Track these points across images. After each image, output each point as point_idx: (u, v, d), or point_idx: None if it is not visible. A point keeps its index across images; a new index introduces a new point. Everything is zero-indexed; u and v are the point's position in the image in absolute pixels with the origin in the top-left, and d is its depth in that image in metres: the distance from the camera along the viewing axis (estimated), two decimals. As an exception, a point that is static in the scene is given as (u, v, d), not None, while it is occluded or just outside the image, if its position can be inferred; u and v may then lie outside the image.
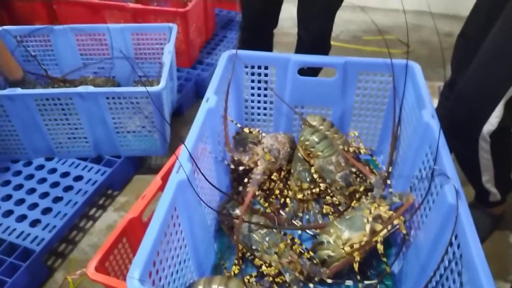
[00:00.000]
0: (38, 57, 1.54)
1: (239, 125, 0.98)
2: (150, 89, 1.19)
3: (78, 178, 1.29)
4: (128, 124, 1.29)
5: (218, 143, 0.88)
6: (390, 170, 0.90)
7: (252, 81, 1.02)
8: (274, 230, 0.83)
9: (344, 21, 2.44)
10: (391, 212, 0.78)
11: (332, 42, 2.29)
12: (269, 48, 1.52)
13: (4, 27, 1.46)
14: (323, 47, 1.41)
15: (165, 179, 1.04)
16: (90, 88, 1.17)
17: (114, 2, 1.67)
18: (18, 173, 1.31)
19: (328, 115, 1.03)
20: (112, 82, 1.56)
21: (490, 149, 0.98)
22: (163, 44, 1.52)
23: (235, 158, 0.90)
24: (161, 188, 1.02)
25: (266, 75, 1.00)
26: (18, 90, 1.17)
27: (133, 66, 1.50)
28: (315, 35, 1.37)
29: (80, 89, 1.17)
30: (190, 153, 0.69)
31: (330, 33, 1.40)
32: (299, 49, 1.47)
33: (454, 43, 1.17)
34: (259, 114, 1.07)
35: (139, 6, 1.66)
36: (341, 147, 0.96)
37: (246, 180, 0.91)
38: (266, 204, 0.91)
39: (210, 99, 0.82)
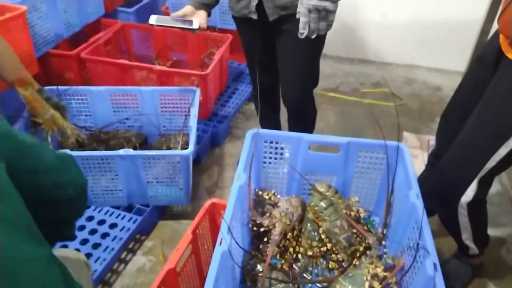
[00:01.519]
0: (76, 110, 1.75)
1: (260, 192, 1.18)
2: (180, 152, 1.39)
3: (113, 226, 1.47)
4: (158, 178, 1.49)
5: (243, 211, 1.08)
6: (384, 232, 1.10)
7: (270, 152, 1.22)
8: (290, 284, 1.01)
9: (344, 73, 2.68)
10: (386, 273, 0.97)
11: (332, 94, 2.53)
12: (278, 104, 1.74)
13: (52, 87, 1.67)
14: (305, 116, 1.60)
15: (194, 233, 1.23)
16: (130, 151, 1.37)
17: (143, 64, 1.90)
18: (59, 219, 1.50)
19: (333, 181, 1.23)
20: (140, 135, 1.77)
21: (467, 214, 1.18)
22: (186, 101, 1.73)
23: (257, 222, 1.09)
24: (192, 241, 1.21)
25: (282, 148, 1.21)
26: (68, 152, 1.37)
27: (159, 125, 1.71)
28: (293, 108, 1.55)
29: (122, 152, 1.37)
30: (229, 227, 0.88)
31: (309, 105, 1.58)
32: (288, 115, 1.64)
33: (439, 121, 1.38)
34: (275, 178, 1.27)
35: (164, 68, 1.88)
36: (344, 211, 1.16)
37: (265, 239, 1.11)
38: (283, 261, 1.09)
39: (240, 177, 1.03)
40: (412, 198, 0.97)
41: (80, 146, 1.73)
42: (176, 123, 1.80)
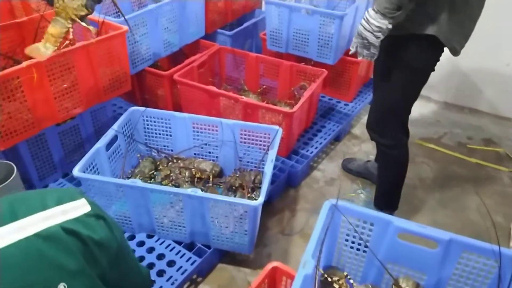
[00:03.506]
0: (158, 132, 1.74)
1: (329, 279, 1.01)
2: (249, 203, 1.28)
3: (171, 263, 1.41)
4: (223, 222, 1.39)
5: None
6: None
7: (348, 229, 1.04)
8: None
9: (450, 122, 2.35)
10: None
11: (432, 145, 2.24)
12: None
13: (140, 107, 1.70)
14: (372, 134, 1.60)
15: (250, 300, 1.10)
16: (199, 192, 1.30)
17: (230, 94, 1.84)
18: (122, 244, 1.48)
19: (422, 280, 1.01)
20: (215, 166, 1.70)
21: None
22: (266, 138, 1.63)
23: (321, 315, 0.93)
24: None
25: (364, 227, 1.02)
26: (139, 183, 1.34)
27: (235, 158, 1.62)
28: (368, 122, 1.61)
29: (190, 191, 1.30)
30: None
31: (374, 125, 1.55)
32: None
33: None
34: (349, 258, 1.09)
35: (250, 101, 1.80)
36: (430, 322, 0.93)
37: (327, 335, 0.94)
38: None
39: (307, 264, 0.87)
40: None
41: (155, 169, 1.72)
42: (253, 158, 1.71)
